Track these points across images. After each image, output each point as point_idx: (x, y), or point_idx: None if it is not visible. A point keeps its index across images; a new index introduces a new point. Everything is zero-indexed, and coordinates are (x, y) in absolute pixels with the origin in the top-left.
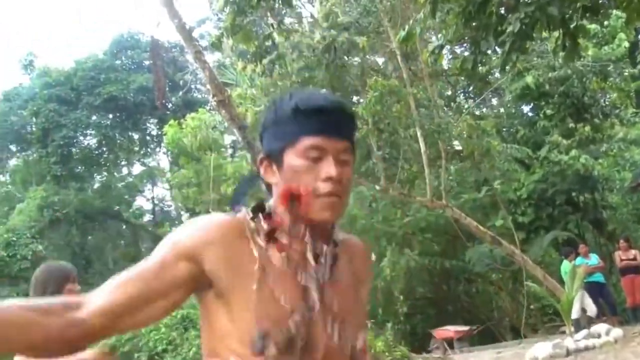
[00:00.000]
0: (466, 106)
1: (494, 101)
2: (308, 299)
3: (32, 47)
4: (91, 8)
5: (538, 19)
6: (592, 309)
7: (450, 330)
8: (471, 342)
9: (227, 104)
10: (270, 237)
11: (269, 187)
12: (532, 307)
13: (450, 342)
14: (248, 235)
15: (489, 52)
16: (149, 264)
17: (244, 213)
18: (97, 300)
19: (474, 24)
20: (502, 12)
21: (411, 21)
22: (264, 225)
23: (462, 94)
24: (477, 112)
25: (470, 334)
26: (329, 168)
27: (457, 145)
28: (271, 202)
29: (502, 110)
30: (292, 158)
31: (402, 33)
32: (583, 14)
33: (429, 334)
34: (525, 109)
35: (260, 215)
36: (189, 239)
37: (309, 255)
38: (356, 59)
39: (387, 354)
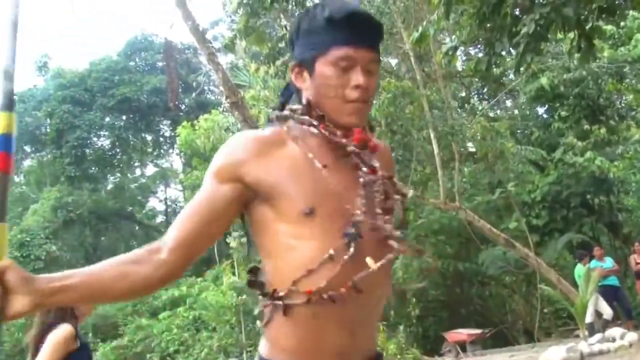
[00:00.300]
0: (480, 108)
1: (509, 103)
2: (358, 181)
3: (47, 48)
4: (105, 8)
5: (553, 20)
6: (607, 312)
7: (462, 333)
8: (484, 346)
9: (240, 106)
10: (317, 119)
11: (299, 92)
12: (545, 310)
13: (462, 345)
14: (286, 138)
15: (504, 53)
16: (202, 195)
17: (277, 123)
18: (170, 238)
19: (488, 25)
20: (517, 13)
21: (425, 22)
22: (300, 114)
23: (476, 96)
24: (492, 114)
25: (483, 337)
26: (357, 77)
27: (471, 147)
28: (302, 104)
29: (516, 112)
30: (324, 66)
31: (416, 34)
32: (599, 15)
33: (442, 337)
34: (540, 110)
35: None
36: (226, 162)
37: (347, 147)
38: None
39: (399, 356)
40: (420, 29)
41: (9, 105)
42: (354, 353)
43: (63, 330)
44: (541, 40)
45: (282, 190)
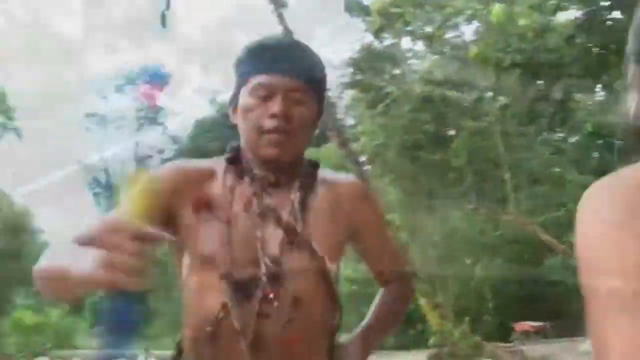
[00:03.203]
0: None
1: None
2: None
3: None
4: None
5: None
6: None
7: (527, 324)
8: (550, 335)
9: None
10: (238, 173)
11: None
12: None
13: (529, 335)
14: (218, 171)
15: None
16: None
17: (219, 159)
18: None
19: None
20: None
21: None
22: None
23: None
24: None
25: (545, 329)
26: (274, 105)
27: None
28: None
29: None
30: (244, 97)
31: None
32: None
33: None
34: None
35: (227, 159)
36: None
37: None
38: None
39: (462, 341)
40: None
41: None
42: None
43: None
44: None
45: (192, 231)
